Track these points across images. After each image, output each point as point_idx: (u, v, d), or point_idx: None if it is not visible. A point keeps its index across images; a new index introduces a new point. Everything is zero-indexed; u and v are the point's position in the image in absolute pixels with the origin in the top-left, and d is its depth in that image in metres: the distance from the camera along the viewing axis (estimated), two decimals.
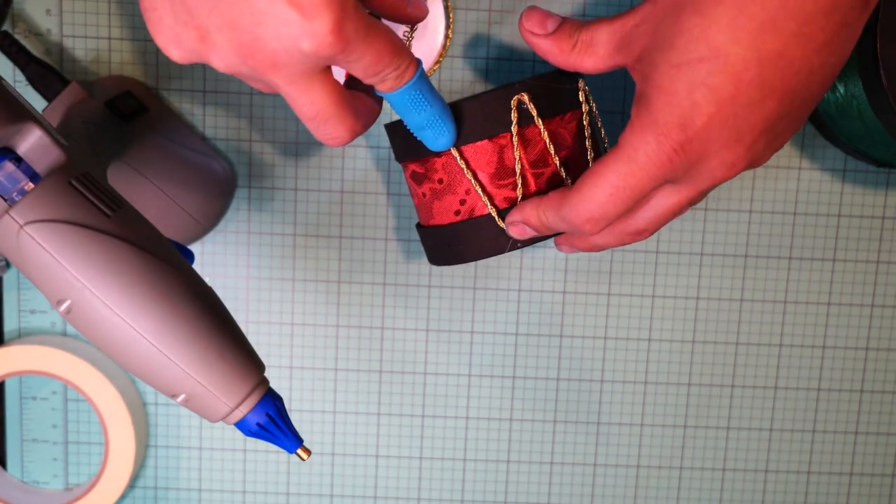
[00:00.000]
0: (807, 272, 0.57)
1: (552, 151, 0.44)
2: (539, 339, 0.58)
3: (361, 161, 0.56)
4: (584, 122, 0.46)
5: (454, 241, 0.46)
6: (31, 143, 0.35)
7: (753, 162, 0.40)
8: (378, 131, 0.55)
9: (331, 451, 0.59)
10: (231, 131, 0.55)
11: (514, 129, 0.43)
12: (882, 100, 0.45)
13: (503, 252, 0.45)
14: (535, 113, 0.43)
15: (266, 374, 0.58)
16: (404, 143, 0.46)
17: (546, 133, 0.44)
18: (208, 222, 0.54)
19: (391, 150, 0.56)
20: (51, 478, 0.58)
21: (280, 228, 0.56)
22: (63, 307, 0.35)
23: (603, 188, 0.40)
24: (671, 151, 0.38)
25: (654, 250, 0.57)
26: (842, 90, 0.49)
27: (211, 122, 0.55)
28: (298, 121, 0.55)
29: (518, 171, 0.44)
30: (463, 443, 0.59)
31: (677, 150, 0.38)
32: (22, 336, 0.57)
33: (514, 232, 0.45)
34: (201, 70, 0.54)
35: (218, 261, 0.56)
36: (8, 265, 0.56)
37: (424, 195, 0.46)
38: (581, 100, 0.46)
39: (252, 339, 0.57)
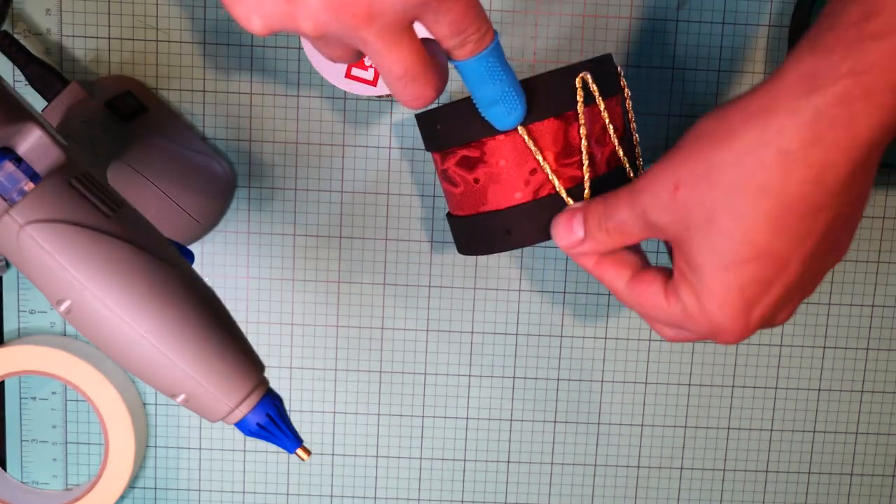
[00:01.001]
0: None
1: (611, 131, 0.45)
2: (539, 339, 0.58)
3: (361, 161, 0.56)
4: (627, 106, 0.47)
5: (515, 225, 0.45)
6: (31, 143, 0.35)
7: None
8: (378, 131, 0.55)
9: (331, 451, 0.59)
10: (231, 131, 0.55)
11: (580, 107, 0.44)
12: None
13: None
14: (597, 93, 0.44)
15: (266, 374, 0.58)
16: (455, 128, 0.45)
17: (606, 112, 0.45)
18: (208, 222, 0.53)
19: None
20: (51, 478, 0.58)
21: (280, 228, 0.56)
22: (63, 307, 0.35)
23: (641, 308, 0.42)
24: (732, 339, 0.40)
25: (654, 250, 0.57)
26: None
27: (211, 122, 0.55)
28: (298, 121, 0.55)
29: (584, 150, 0.44)
30: (463, 443, 0.59)
31: (734, 339, 0.40)
32: (22, 336, 0.57)
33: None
34: (201, 70, 0.54)
35: (218, 261, 0.56)
36: (8, 265, 0.56)
37: (477, 181, 0.45)
38: (623, 84, 0.47)
39: (252, 339, 0.57)
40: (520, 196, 0.45)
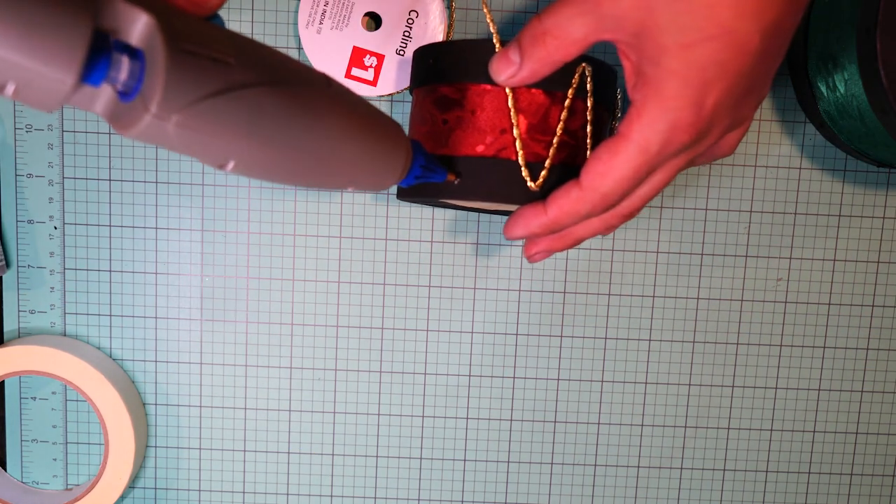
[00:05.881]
0: (807, 272, 0.57)
1: (589, 130, 0.45)
2: (539, 339, 0.58)
3: None
4: (613, 126, 0.47)
5: (470, 175, 0.45)
6: (121, 18, 0.31)
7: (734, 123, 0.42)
8: None
9: (331, 451, 0.59)
10: None
11: (570, 91, 0.44)
12: (882, 100, 0.45)
13: (514, 203, 0.45)
14: (590, 88, 0.44)
15: (266, 374, 0.58)
16: (445, 64, 0.45)
17: (591, 110, 0.45)
18: None
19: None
20: (51, 478, 0.58)
21: (280, 228, 0.56)
22: (228, 167, 0.35)
23: (609, 179, 0.41)
24: (685, 135, 0.39)
25: (654, 250, 0.57)
26: (842, 90, 0.49)
27: None
28: None
29: (559, 132, 0.44)
30: (463, 443, 0.59)
31: (690, 132, 0.39)
32: (22, 336, 0.57)
33: (528, 252, 0.47)
34: None
35: (218, 261, 0.56)
36: (8, 265, 0.56)
37: (445, 122, 0.45)
38: (618, 96, 0.47)
39: (252, 340, 0.57)
40: (481, 150, 0.45)
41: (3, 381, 0.58)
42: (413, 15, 0.52)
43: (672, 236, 0.57)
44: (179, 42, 0.31)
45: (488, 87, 0.44)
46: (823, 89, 0.51)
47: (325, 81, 0.36)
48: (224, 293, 0.57)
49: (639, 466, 0.59)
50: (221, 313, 0.57)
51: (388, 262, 0.57)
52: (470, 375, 0.58)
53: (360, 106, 0.38)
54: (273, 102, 0.34)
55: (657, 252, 0.57)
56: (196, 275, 0.57)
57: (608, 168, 0.40)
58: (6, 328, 0.57)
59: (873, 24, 0.44)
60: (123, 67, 0.30)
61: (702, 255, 0.57)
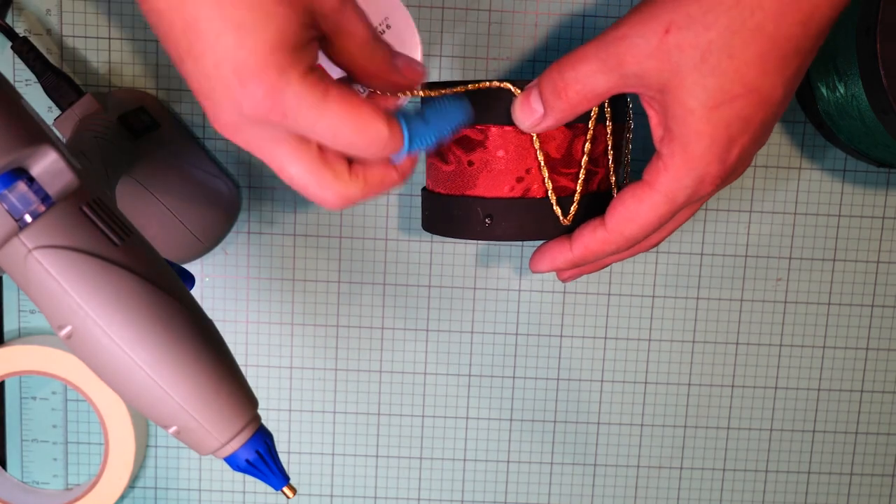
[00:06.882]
0: (807, 272, 0.57)
1: (610, 156, 0.45)
2: (539, 339, 0.58)
3: None
4: (628, 137, 0.48)
5: (498, 216, 0.45)
6: (46, 165, 0.34)
7: None
8: None
9: (331, 451, 0.59)
10: None
11: (591, 123, 0.44)
12: (882, 100, 0.45)
13: (545, 238, 0.45)
14: (608, 114, 0.45)
15: (266, 375, 0.58)
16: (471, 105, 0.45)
17: (611, 135, 0.45)
18: (210, 242, 0.53)
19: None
20: (51, 478, 0.58)
21: (280, 229, 0.56)
22: (64, 332, 0.35)
23: (635, 225, 0.42)
24: (711, 186, 0.40)
25: (654, 250, 0.57)
26: (842, 90, 0.49)
27: None
28: None
29: (584, 164, 0.45)
30: (463, 443, 0.59)
31: (716, 183, 0.40)
32: (22, 336, 0.57)
33: (560, 277, 0.49)
34: None
35: (217, 261, 0.56)
36: None
37: (471, 164, 0.45)
38: (629, 117, 0.47)
39: (252, 340, 0.57)
40: (508, 190, 0.45)
41: (3, 381, 0.58)
42: (384, 27, 0.51)
43: (672, 236, 0.57)
44: (80, 202, 0.35)
45: (509, 128, 0.44)
46: (823, 89, 0.51)
47: (205, 323, 0.37)
48: (224, 293, 0.57)
49: (639, 466, 0.59)
50: (221, 313, 0.57)
51: (388, 262, 0.57)
52: (470, 375, 0.58)
53: (213, 346, 0.37)
54: (135, 290, 0.35)
55: (657, 252, 0.57)
56: (196, 274, 0.57)
57: (634, 215, 0.41)
58: (6, 328, 0.57)
59: (873, 25, 0.44)
60: (18, 193, 0.34)
61: (701, 255, 0.57)
